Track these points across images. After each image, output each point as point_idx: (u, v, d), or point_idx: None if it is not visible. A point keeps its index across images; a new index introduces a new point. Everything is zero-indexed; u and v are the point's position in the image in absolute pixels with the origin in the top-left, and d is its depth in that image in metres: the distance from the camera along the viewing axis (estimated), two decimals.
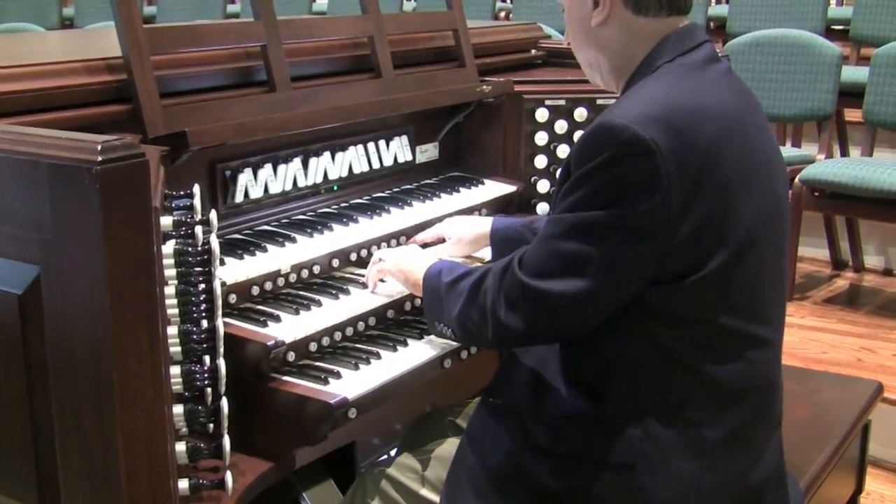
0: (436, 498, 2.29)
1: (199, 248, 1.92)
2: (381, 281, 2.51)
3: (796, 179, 5.12)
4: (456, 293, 2.14)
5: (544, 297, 1.92)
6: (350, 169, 2.90)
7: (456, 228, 2.73)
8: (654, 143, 1.82)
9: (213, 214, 2.00)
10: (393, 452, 2.73)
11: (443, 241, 2.75)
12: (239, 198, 2.59)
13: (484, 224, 2.69)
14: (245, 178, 2.59)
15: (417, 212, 2.89)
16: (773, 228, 2.01)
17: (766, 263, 2.00)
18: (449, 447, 2.33)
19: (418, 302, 2.58)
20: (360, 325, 2.46)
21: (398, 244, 2.78)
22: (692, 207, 1.86)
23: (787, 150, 5.64)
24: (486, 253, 2.73)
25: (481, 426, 2.16)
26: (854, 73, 5.96)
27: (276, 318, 2.29)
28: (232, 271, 2.34)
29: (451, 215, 2.87)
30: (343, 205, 2.87)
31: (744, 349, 1.99)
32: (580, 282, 1.89)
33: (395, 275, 2.46)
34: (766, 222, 1.98)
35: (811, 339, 4.88)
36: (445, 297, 2.18)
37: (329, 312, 2.38)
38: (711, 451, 1.97)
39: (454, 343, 2.42)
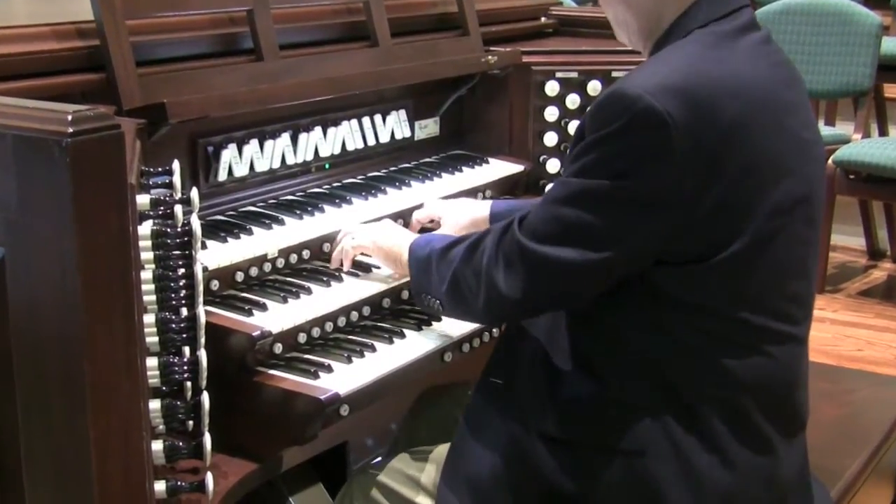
0: None
1: (179, 230, 1.91)
2: (365, 266, 2.51)
3: (829, 161, 5.12)
4: (448, 259, 2.18)
5: (542, 262, 1.97)
6: (343, 146, 2.90)
7: (450, 212, 2.73)
8: (668, 116, 1.84)
9: (193, 193, 2.00)
10: (387, 453, 2.73)
11: (435, 223, 2.76)
12: (222, 176, 2.59)
13: (482, 208, 2.69)
14: (229, 154, 2.59)
15: (416, 192, 2.89)
16: (802, 216, 2.01)
17: (792, 254, 2.01)
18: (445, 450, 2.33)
19: None
20: (354, 315, 2.46)
21: None
22: (709, 188, 1.88)
23: (820, 130, 5.62)
24: None
25: (481, 411, 2.18)
26: (895, 45, 5.93)
27: (262, 307, 2.30)
28: (214, 255, 2.34)
29: (453, 197, 2.87)
30: (335, 184, 2.87)
31: (761, 343, 2.01)
32: (577, 252, 1.93)
33: (370, 250, 2.48)
34: (793, 210, 1.99)
35: (845, 335, 4.88)
36: (437, 265, 2.20)
37: (319, 301, 2.39)
38: (726, 447, 1.99)
39: (455, 335, 2.43)
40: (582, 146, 1.94)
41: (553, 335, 2.11)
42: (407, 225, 2.75)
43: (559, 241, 1.95)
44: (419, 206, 2.80)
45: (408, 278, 2.41)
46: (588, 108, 1.98)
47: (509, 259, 2.02)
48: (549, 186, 3.20)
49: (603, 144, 1.90)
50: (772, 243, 1.96)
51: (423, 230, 2.76)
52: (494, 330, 2.56)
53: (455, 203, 2.77)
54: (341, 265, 2.51)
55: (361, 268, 2.53)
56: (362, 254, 2.52)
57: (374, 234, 2.49)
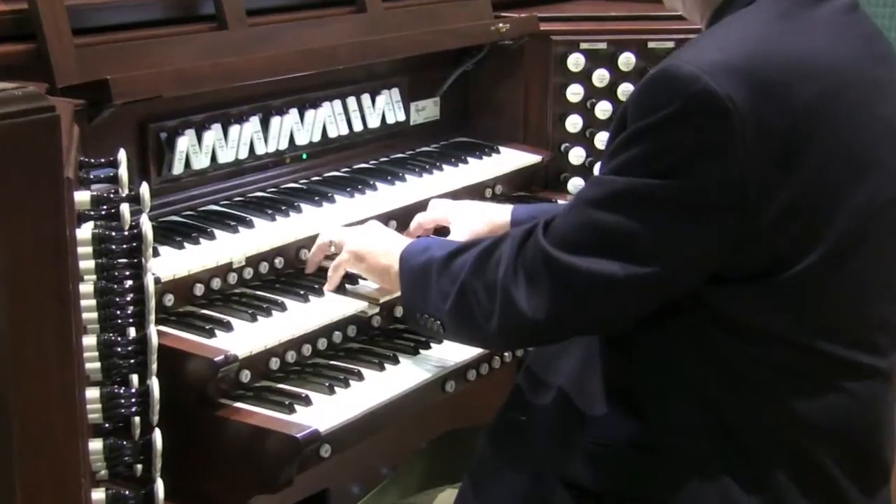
0: None
1: (126, 234, 1.90)
2: (350, 277, 2.49)
3: None
4: (453, 270, 2.13)
5: (572, 276, 1.94)
6: (324, 132, 2.89)
7: (463, 214, 2.70)
8: (731, 101, 1.82)
9: (143, 189, 1.98)
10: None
11: (443, 230, 2.75)
12: (178, 168, 2.58)
13: (502, 212, 2.67)
14: (186, 142, 2.58)
15: (412, 189, 2.88)
16: (892, 222, 1.99)
17: (878, 269, 1.99)
18: (448, 498, 2.34)
19: None
20: (337, 336, 2.45)
21: None
22: (777, 189, 1.86)
23: None
24: None
25: (496, 451, 2.17)
26: None
27: (227, 326, 2.29)
28: (169, 264, 2.34)
29: (456, 194, 2.86)
30: (314, 179, 2.86)
31: (837, 378, 1.99)
32: (617, 265, 1.90)
33: (350, 262, 2.43)
34: (881, 213, 1.97)
35: None
36: (438, 276, 2.17)
37: (295, 319, 2.38)
38: None
39: (459, 360, 2.42)
40: (624, 137, 1.91)
41: (586, 364, 2.09)
42: (400, 228, 2.73)
43: (595, 252, 1.92)
44: (416, 206, 2.79)
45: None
46: (633, 91, 1.95)
47: (532, 272, 1.99)
48: (571, 181, 3.23)
49: (650, 135, 1.87)
50: (854, 256, 1.93)
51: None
52: (507, 354, 2.55)
53: (466, 204, 2.75)
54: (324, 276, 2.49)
55: (346, 278, 2.52)
56: (356, 274, 2.49)
57: (355, 239, 2.44)
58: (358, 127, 2.98)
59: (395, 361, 2.41)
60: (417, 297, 2.23)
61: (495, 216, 2.67)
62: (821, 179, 1.89)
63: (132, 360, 1.89)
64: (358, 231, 2.49)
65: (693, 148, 1.85)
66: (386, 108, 3.05)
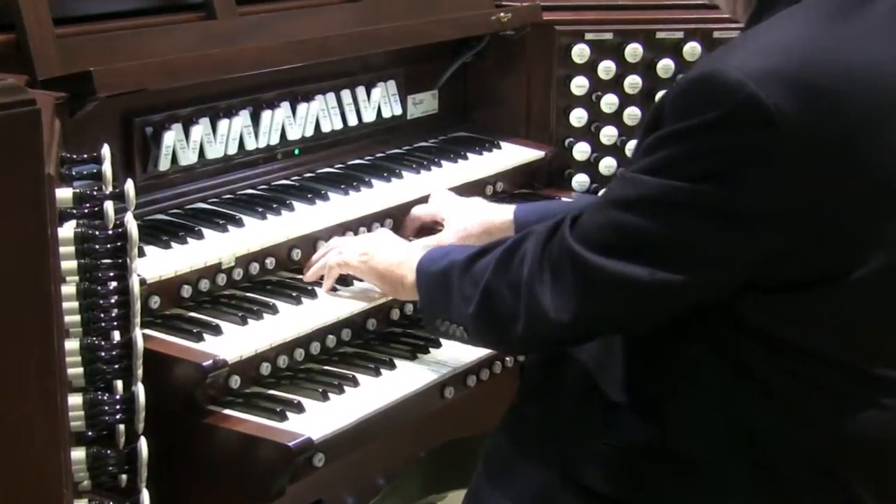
0: None
1: (110, 233, 1.89)
2: (344, 279, 2.49)
3: None
4: (475, 273, 2.13)
5: (599, 276, 1.93)
6: (317, 126, 2.89)
7: (458, 213, 2.70)
8: (776, 111, 1.79)
9: (128, 186, 1.98)
10: None
11: (436, 224, 2.75)
12: (164, 164, 2.58)
13: (500, 212, 2.67)
14: (172, 137, 2.58)
15: (409, 186, 2.88)
16: None
17: None
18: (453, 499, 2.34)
19: (410, 308, 2.56)
20: (331, 340, 2.45)
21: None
22: (823, 203, 1.83)
23: None
24: None
25: (506, 452, 2.16)
26: None
27: (216, 330, 2.29)
28: (155, 264, 2.33)
29: (455, 192, 2.86)
30: (307, 175, 2.86)
31: (876, 394, 1.96)
32: (645, 269, 1.89)
33: (360, 271, 2.44)
34: None
35: None
36: (459, 280, 2.16)
37: (287, 322, 2.38)
38: None
39: (459, 364, 2.42)
40: (659, 136, 1.89)
41: (604, 361, 2.09)
42: (396, 227, 2.74)
43: (623, 254, 1.91)
44: (413, 204, 2.80)
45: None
46: (672, 88, 1.93)
47: (557, 269, 1.99)
48: (575, 177, 3.23)
49: (688, 138, 1.86)
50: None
51: (420, 232, 2.75)
52: (508, 359, 2.55)
53: (465, 202, 2.74)
54: (320, 280, 2.49)
55: (340, 280, 2.52)
56: (350, 275, 2.50)
57: (365, 247, 2.44)
58: (353, 121, 2.98)
59: (392, 366, 2.40)
60: (439, 303, 2.23)
61: (493, 216, 2.67)
62: (872, 196, 1.86)
63: (116, 366, 1.89)
64: (367, 239, 2.49)
65: (734, 155, 1.83)
66: (382, 101, 3.05)
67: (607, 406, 2.06)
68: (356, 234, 2.69)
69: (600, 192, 2.04)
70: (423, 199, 2.82)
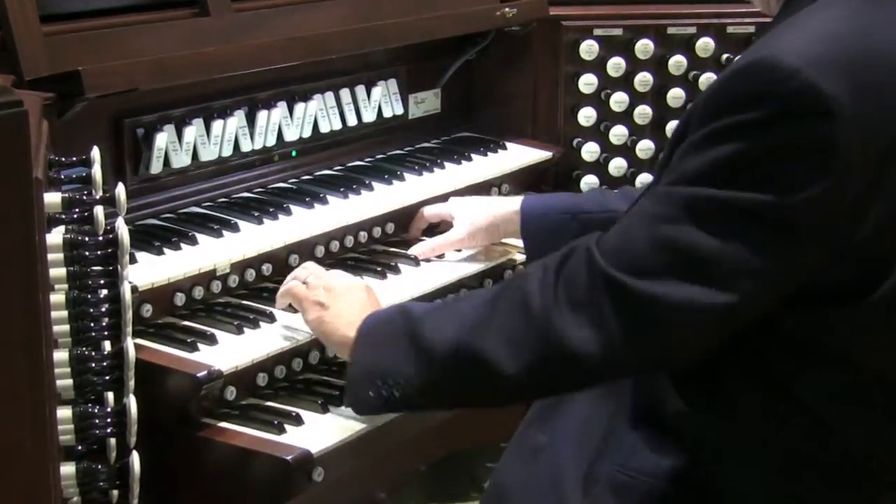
0: None
1: (100, 239, 1.90)
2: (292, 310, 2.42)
3: None
4: (439, 333, 2.00)
5: (646, 305, 1.82)
6: (315, 127, 2.89)
7: (463, 209, 2.71)
8: (835, 102, 1.72)
9: (119, 190, 1.98)
10: None
11: (446, 224, 2.75)
12: (156, 167, 2.57)
13: (506, 203, 2.67)
14: (165, 138, 2.58)
15: (411, 188, 2.88)
16: None
17: None
18: None
19: None
20: (330, 350, 2.43)
21: (383, 234, 2.78)
22: (876, 197, 1.78)
23: None
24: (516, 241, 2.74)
25: (514, 477, 2.15)
26: None
27: (210, 339, 2.29)
28: (147, 271, 2.33)
29: (459, 194, 2.87)
30: (305, 178, 2.86)
31: None
32: (699, 289, 1.80)
33: (308, 301, 2.30)
34: None
35: None
36: (415, 337, 2.03)
37: (285, 330, 2.37)
38: None
39: None
40: (701, 137, 1.80)
41: (620, 382, 2.03)
42: (398, 231, 2.76)
43: (671, 275, 1.80)
44: (415, 207, 2.80)
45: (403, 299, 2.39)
46: (714, 82, 1.85)
47: (586, 302, 1.86)
48: (584, 179, 3.23)
49: (737, 136, 1.76)
50: None
51: (428, 231, 2.76)
52: None
53: (472, 198, 2.75)
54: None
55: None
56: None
57: (327, 281, 2.32)
58: (352, 121, 2.98)
59: None
60: (380, 359, 2.09)
61: (499, 208, 2.69)
62: None
63: (107, 377, 1.89)
64: (335, 277, 2.35)
65: (789, 155, 1.75)
66: (382, 100, 3.05)
67: (623, 429, 2.02)
68: (356, 238, 2.70)
69: (628, 210, 1.95)
70: (425, 202, 2.83)
